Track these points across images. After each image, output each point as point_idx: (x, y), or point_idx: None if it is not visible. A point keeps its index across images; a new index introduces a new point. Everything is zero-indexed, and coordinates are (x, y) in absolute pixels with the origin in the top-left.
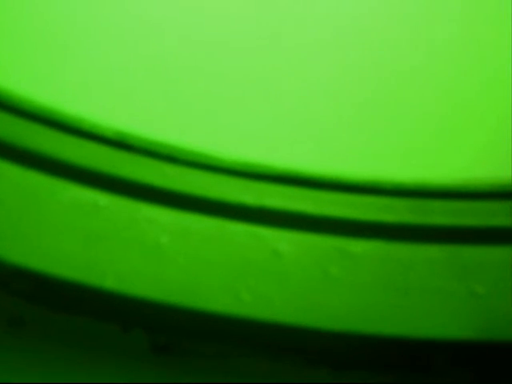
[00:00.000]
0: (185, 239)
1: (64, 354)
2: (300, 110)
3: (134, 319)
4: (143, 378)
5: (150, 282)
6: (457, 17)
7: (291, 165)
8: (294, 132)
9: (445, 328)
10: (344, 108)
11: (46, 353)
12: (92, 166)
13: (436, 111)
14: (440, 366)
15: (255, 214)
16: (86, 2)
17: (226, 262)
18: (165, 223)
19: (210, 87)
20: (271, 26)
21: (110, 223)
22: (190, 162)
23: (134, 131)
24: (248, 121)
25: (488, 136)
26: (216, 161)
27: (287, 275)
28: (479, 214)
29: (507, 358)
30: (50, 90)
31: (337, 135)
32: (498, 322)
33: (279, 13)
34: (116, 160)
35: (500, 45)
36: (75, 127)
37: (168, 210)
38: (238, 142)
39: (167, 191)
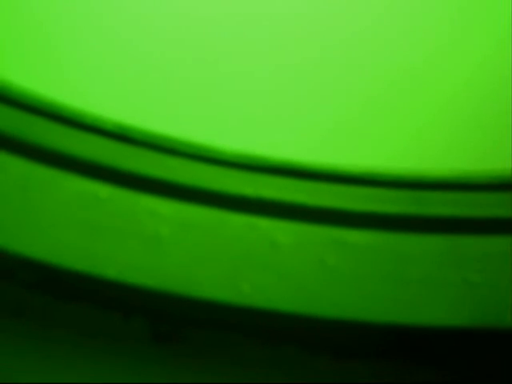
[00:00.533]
0: (185, 230)
1: (67, 341)
2: (297, 102)
3: (135, 308)
4: (144, 365)
5: (151, 271)
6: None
7: (290, 157)
8: (292, 124)
9: (441, 316)
10: (341, 100)
11: (49, 340)
12: (93, 158)
13: (433, 102)
14: (436, 354)
15: (254, 206)
16: None
17: (225, 252)
18: (165, 214)
19: (208, 80)
20: (277, 17)
21: (111, 214)
22: (189, 154)
23: (134, 124)
24: (247, 114)
25: (485, 130)
26: (215, 153)
27: (285, 265)
28: (477, 204)
29: (501, 345)
30: (52, 83)
31: (334, 127)
32: (493, 310)
33: (290, 8)
34: (117, 152)
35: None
36: (77, 120)
37: (168, 201)
38: (237, 135)
39: (167, 183)
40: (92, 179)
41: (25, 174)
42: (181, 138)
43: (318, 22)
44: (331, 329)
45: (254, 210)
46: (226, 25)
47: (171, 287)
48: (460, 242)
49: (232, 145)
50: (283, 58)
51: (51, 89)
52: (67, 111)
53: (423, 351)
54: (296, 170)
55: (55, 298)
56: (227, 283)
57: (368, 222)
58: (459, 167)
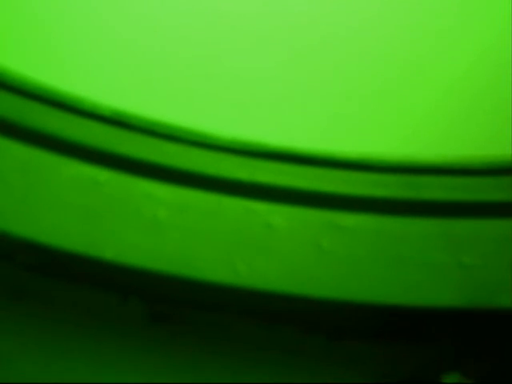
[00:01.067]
0: (182, 213)
1: (66, 322)
2: (294, 90)
3: (133, 289)
4: (142, 345)
5: (149, 253)
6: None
7: (285, 143)
8: (286, 111)
9: (435, 297)
10: (339, 87)
11: (49, 321)
12: (91, 143)
13: (434, 90)
14: (430, 335)
15: (249, 190)
16: None
17: (221, 235)
18: (162, 198)
19: (205, 67)
20: (279, 8)
21: (110, 198)
22: (186, 139)
23: (131, 110)
24: (243, 100)
25: (485, 118)
26: (211, 138)
27: (281, 247)
28: (469, 189)
29: (495, 325)
30: (51, 70)
31: (329, 114)
32: (487, 291)
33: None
34: (115, 138)
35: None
36: (75, 106)
37: (165, 185)
38: (233, 121)
39: (164, 167)
40: (90, 164)
41: (24, 158)
42: (177, 124)
43: (320, 10)
44: (326, 309)
45: (250, 193)
46: (224, 16)
47: (168, 269)
48: (454, 226)
49: (228, 131)
50: (281, 45)
51: (50, 76)
52: (66, 97)
53: (417, 331)
54: (291, 155)
55: (55, 279)
56: (224, 265)
57: (362, 205)
58: (460, 154)
